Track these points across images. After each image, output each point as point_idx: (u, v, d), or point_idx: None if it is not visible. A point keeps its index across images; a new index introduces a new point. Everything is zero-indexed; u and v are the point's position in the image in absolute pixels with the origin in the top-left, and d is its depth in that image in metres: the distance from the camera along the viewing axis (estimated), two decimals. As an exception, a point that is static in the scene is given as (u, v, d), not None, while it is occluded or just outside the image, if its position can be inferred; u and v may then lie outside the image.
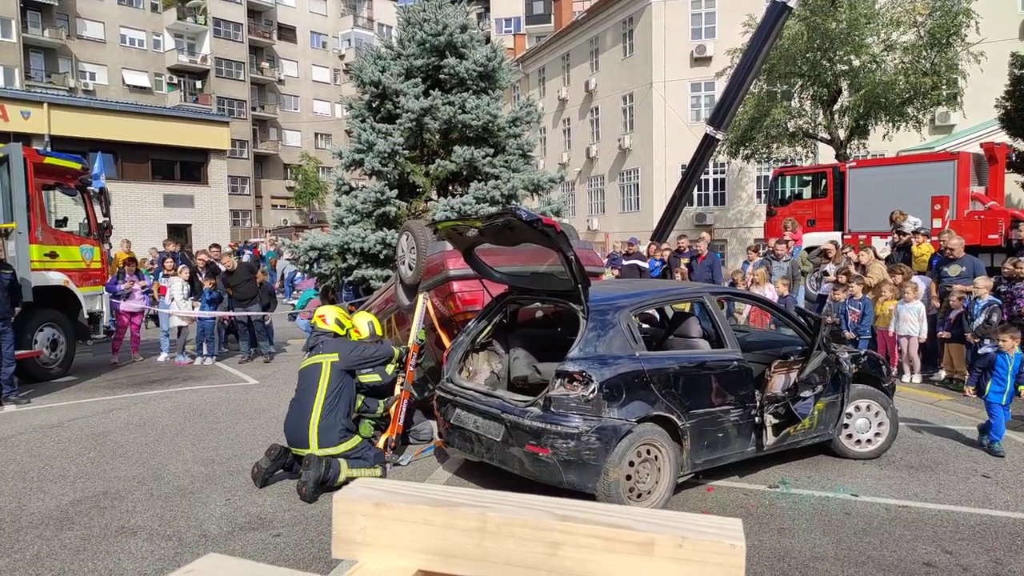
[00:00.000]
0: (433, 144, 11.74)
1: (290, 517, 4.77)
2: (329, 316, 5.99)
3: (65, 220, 10.73)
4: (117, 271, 11.67)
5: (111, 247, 12.15)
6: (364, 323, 6.47)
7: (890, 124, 20.11)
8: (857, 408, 5.96)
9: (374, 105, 12.00)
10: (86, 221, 10.73)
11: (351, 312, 7.28)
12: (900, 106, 19.41)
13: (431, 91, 11.44)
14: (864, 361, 6.15)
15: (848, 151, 21.16)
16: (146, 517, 4.78)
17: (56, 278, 9.60)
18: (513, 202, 11.07)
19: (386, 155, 11.17)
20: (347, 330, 6.06)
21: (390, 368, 6.05)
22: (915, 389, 8.70)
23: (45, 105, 24.29)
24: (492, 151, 11.67)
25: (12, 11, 38.39)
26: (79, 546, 4.30)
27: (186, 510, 4.91)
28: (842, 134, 21.05)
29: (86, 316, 10.19)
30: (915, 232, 10.64)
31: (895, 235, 10.30)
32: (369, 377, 5.93)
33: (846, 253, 10.77)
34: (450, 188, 12.04)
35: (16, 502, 5.06)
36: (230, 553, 4.19)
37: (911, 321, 8.86)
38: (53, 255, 9.65)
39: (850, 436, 5.99)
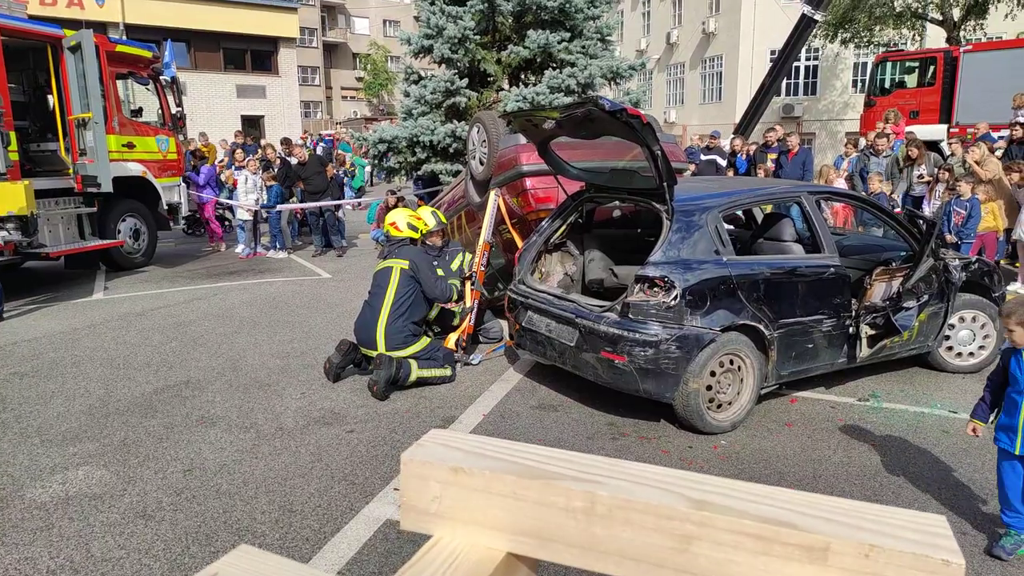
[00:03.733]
0: (505, 28, 11.10)
1: (363, 413, 4.79)
2: (400, 222, 5.79)
3: (140, 110, 10.77)
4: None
5: (186, 137, 12.24)
6: (427, 213, 6.22)
7: (1014, 1, 17.90)
8: (961, 319, 5.53)
9: (444, -15, 11.33)
10: (160, 111, 10.74)
11: (419, 206, 7.07)
12: (1030, -21, 17.22)
13: (504, -32, 10.67)
14: (974, 269, 5.62)
15: (962, 34, 19.08)
16: (225, 408, 4.89)
17: (135, 169, 9.73)
18: (590, 91, 10.44)
19: (456, 41, 10.62)
20: (421, 232, 5.87)
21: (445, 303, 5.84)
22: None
23: (118, -8, 24.23)
24: (568, 35, 10.95)
25: None
26: (163, 434, 4.43)
27: (263, 402, 5.00)
28: (956, 14, 18.94)
29: (165, 207, 10.38)
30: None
31: (1016, 127, 9.19)
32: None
33: (952, 151, 9.75)
34: (523, 77, 11.45)
35: (104, 388, 5.26)
36: (306, 446, 4.24)
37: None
38: (130, 145, 9.74)
39: (951, 348, 5.59)
